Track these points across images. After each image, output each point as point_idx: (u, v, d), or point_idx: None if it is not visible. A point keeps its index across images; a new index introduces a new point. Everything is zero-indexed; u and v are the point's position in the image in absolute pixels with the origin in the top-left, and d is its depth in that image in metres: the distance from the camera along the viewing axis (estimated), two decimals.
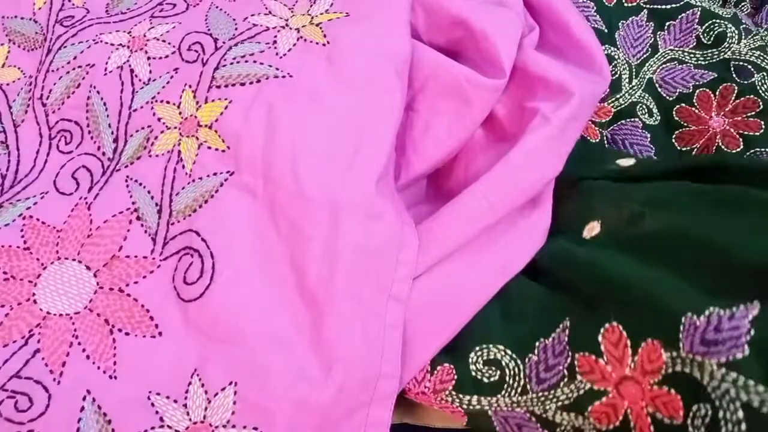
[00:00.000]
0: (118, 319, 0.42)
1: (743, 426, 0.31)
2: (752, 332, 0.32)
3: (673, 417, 0.34)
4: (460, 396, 0.43)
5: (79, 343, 0.41)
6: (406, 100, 0.47)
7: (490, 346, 0.43)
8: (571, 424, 0.39)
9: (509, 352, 0.42)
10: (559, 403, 0.39)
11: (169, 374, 0.41)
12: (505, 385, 0.42)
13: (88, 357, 0.41)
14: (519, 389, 0.41)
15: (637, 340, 0.36)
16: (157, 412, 0.40)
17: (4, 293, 0.42)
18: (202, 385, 0.40)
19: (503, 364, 0.42)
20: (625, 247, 0.42)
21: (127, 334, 0.42)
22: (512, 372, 0.42)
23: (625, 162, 0.52)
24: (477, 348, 0.43)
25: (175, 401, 0.40)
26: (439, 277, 0.45)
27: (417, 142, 0.49)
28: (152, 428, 0.40)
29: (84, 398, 0.40)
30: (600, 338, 0.38)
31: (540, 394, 0.40)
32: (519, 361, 0.42)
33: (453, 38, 0.49)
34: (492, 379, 0.42)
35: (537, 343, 0.42)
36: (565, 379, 0.39)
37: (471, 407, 0.43)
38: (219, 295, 0.41)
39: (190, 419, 0.40)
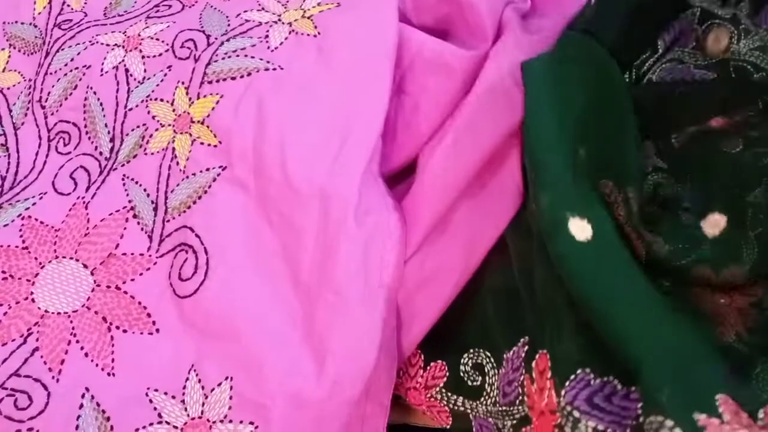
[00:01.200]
0: (116, 317, 0.42)
1: None
2: (640, 419, 0.31)
3: None
4: (449, 395, 0.43)
5: (78, 341, 0.41)
6: (396, 82, 0.47)
7: (480, 350, 0.43)
8: None
9: (492, 360, 0.42)
10: (514, 421, 0.39)
11: (166, 370, 0.41)
12: (484, 393, 0.42)
13: (86, 355, 0.41)
14: (492, 401, 0.41)
15: (555, 375, 0.35)
16: (155, 409, 0.40)
17: (2, 292, 0.42)
18: (199, 381, 0.41)
19: (486, 371, 0.42)
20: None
21: (124, 331, 0.42)
22: (491, 380, 0.42)
23: None
24: (471, 350, 0.43)
25: (173, 397, 0.41)
26: (422, 259, 0.45)
27: (409, 122, 0.48)
28: (150, 424, 0.40)
29: (83, 396, 0.40)
30: (533, 363, 0.38)
31: (502, 408, 0.40)
32: (497, 371, 0.42)
33: (440, 15, 0.50)
34: (474, 384, 0.42)
35: (504, 356, 0.42)
36: (519, 398, 0.39)
37: (456, 408, 0.43)
38: (213, 291, 0.42)
39: (188, 415, 0.40)
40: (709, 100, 0.45)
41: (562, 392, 0.34)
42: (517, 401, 0.39)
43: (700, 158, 0.42)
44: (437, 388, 0.44)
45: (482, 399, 0.42)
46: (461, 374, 0.43)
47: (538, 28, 0.49)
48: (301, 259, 0.42)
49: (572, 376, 0.34)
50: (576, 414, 0.33)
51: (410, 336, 0.44)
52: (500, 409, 0.40)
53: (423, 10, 0.50)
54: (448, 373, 0.44)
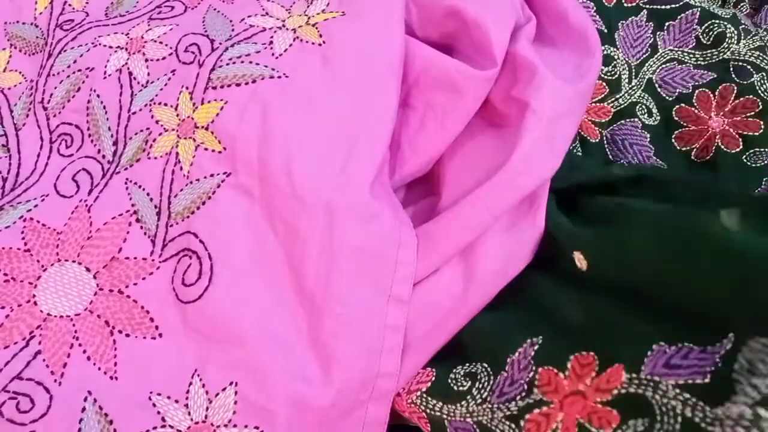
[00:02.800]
0: (119, 321, 0.42)
1: None
2: (719, 365, 0.32)
3: (603, 428, 0.35)
4: (428, 399, 0.43)
5: (80, 345, 0.41)
6: (401, 96, 0.47)
7: (477, 363, 0.43)
8: None
9: (488, 368, 0.42)
10: (507, 413, 0.39)
11: (169, 375, 0.41)
12: (468, 396, 0.42)
13: (88, 358, 0.41)
14: (479, 400, 0.41)
15: (604, 365, 0.37)
16: (158, 413, 0.40)
17: (4, 295, 0.42)
18: (203, 386, 0.41)
19: (478, 377, 0.42)
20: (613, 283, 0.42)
21: (127, 335, 0.42)
22: (482, 384, 0.42)
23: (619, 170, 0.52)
24: (468, 363, 0.44)
25: (176, 401, 0.41)
26: (437, 282, 0.45)
27: (413, 138, 0.49)
28: (154, 428, 0.40)
29: (85, 399, 0.40)
30: (570, 358, 0.38)
31: (495, 404, 0.40)
32: (492, 377, 0.42)
33: (446, 31, 0.49)
34: (460, 389, 0.42)
35: (508, 360, 0.42)
36: (522, 393, 0.39)
37: (433, 413, 0.43)
38: (217, 297, 0.42)
39: (192, 419, 0.40)
40: None
41: (642, 368, 0.35)
42: (518, 397, 0.39)
43: None
44: (418, 393, 0.44)
45: (463, 402, 0.42)
46: (449, 381, 0.43)
47: (559, 64, 0.49)
48: (306, 268, 0.42)
49: (648, 353, 0.35)
50: (656, 378, 0.34)
51: (418, 356, 0.44)
52: (488, 406, 0.40)
53: (429, 24, 0.50)
54: (433, 379, 0.44)
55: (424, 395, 0.43)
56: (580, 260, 0.43)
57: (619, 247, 0.41)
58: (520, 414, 0.39)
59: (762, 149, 0.57)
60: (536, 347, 0.41)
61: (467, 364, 0.43)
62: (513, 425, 0.39)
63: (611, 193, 0.48)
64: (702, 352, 0.34)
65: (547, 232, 0.47)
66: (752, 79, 0.58)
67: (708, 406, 0.32)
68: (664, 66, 0.61)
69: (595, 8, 0.61)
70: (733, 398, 0.31)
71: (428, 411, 0.43)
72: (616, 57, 0.60)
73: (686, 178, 0.49)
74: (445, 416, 0.42)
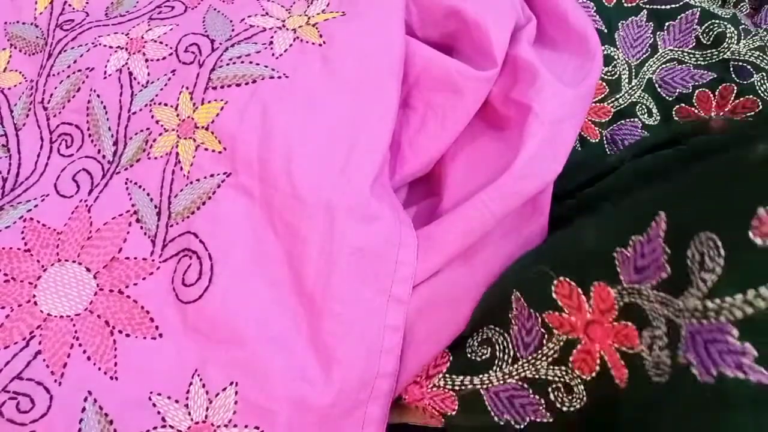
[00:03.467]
0: (119, 321, 0.42)
1: (664, 340, 0.33)
2: (668, 251, 0.33)
3: (632, 346, 0.36)
4: (453, 377, 0.43)
5: (80, 345, 0.41)
6: (402, 97, 0.47)
7: (484, 328, 0.44)
8: (561, 380, 0.40)
9: (498, 329, 0.43)
10: (549, 359, 0.40)
11: (169, 375, 0.41)
12: (497, 360, 0.42)
13: (89, 358, 0.41)
14: (509, 359, 0.42)
15: (586, 287, 0.38)
16: (158, 413, 0.40)
17: (4, 295, 0.42)
18: (203, 386, 0.41)
19: (493, 340, 0.43)
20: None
21: (127, 335, 0.42)
22: (501, 346, 0.42)
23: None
24: (476, 332, 0.44)
25: (177, 401, 0.41)
26: (439, 283, 0.45)
27: (413, 139, 0.49)
28: (154, 428, 0.40)
29: (85, 399, 0.40)
30: (554, 295, 0.39)
31: (529, 357, 0.41)
32: (506, 335, 0.42)
33: (447, 31, 0.49)
34: (484, 357, 0.43)
35: (510, 316, 0.42)
36: (545, 337, 0.40)
37: (463, 388, 0.43)
38: (218, 297, 0.42)
39: (192, 419, 0.40)
40: None
41: (621, 278, 0.36)
42: (544, 340, 0.40)
43: None
44: (440, 376, 0.44)
45: (494, 368, 0.42)
46: (468, 354, 0.44)
47: (560, 66, 0.49)
48: (306, 268, 0.42)
49: (615, 262, 0.37)
50: (636, 286, 0.36)
51: (418, 357, 0.44)
52: (524, 361, 0.41)
53: (429, 24, 0.50)
54: (451, 359, 0.44)
55: (447, 375, 0.44)
56: None
57: None
58: (563, 356, 0.39)
59: None
60: (522, 299, 0.41)
61: (475, 334, 0.44)
62: (563, 367, 0.40)
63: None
64: (649, 242, 0.35)
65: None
66: (752, 79, 0.58)
67: (674, 297, 0.33)
68: (664, 66, 0.61)
69: (595, 8, 0.61)
70: (690, 290, 0.31)
71: (456, 388, 0.43)
72: (616, 57, 0.60)
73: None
74: (479, 386, 0.43)
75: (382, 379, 0.43)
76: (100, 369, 0.41)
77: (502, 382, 0.42)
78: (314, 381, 0.41)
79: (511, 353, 0.42)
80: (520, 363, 0.41)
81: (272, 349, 0.41)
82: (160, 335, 0.42)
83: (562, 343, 0.40)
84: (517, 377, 0.41)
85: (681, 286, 0.32)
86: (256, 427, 0.40)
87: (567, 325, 0.39)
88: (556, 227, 0.47)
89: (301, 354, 0.41)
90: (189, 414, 0.40)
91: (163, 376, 0.41)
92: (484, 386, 0.43)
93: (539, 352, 0.40)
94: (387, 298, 0.43)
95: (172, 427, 0.40)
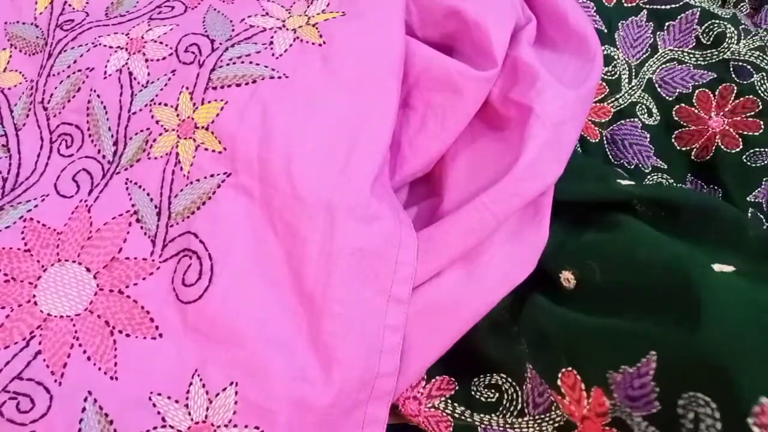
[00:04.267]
0: (119, 321, 0.42)
1: None
2: (657, 390, 0.34)
3: None
4: (455, 405, 0.44)
5: (80, 345, 0.41)
6: (402, 97, 0.47)
7: (494, 374, 0.44)
8: None
9: (509, 379, 0.43)
10: (556, 424, 0.41)
11: (169, 375, 0.41)
12: (501, 408, 0.43)
13: (89, 358, 0.41)
14: (516, 412, 0.42)
15: (588, 386, 0.38)
16: (158, 413, 0.40)
17: (4, 295, 0.42)
18: (203, 386, 0.41)
19: (503, 389, 0.43)
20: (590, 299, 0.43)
21: (127, 335, 0.42)
22: (510, 396, 0.43)
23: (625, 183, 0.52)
24: (483, 375, 0.44)
25: (177, 401, 0.41)
26: (440, 285, 0.45)
27: (413, 139, 0.49)
28: (154, 428, 0.40)
29: (85, 399, 0.40)
30: (559, 381, 0.40)
31: (537, 416, 0.41)
32: (517, 387, 0.43)
33: (447, 32, 0.49)
34: (489, 400, 0.43)
35: (525, 375, 0.43)
36: (554, 405, 0.41)
37: (462, 419, 0.43)
38: (218, 297, 0.42)
39: (192, 419, 0.40)
40: None
41: (614, 395, 0.37)
42: (553, 407, 0.41)
43: None
44: (441, 399, 0.44)
45: (498, 413, 0.43)
46: (473, 392, 0.44)
47: (560, 67, 0.49)
48: (306, 268, 0.42)
49: (610, 382, 0.37)
50: (627, 410, 0.36)
51: (418, 358, 0.44)
52: (530, 418, 0.42)
53: (429, 24, 0.50)
54: (457, 388, 0.45)
55: (449, 401, 0.44)
56: (567, 279, 0.44)
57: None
58: (567, 427, 0.40)
59: (762, 149, 0.57)
60: (535, 367, 0.42)
61: (485, 376, 0.44)
62: None
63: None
64: (639, 377, 0.35)
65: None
66: (752, 79, 0.58)
67: None
68: (664, 66, 0.61)
69: (595, 8, 0.61)
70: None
71: (455, 416, 0.44)
72: (616, 57, 0.60)
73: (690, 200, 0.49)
74: (478, 423, 0.43)
75: (382, 379, 0.43)
76: (100, 369, 0.41)
77: (502, 428, 0.42)
78: (314, 381, 0.41)
79: (519, 407, 0.42)
80: (525, 419, 0.42)
81: (272, 349, 0.41)
82: (160, 335, 0.42)
83: (566, 418, 0.40)
84: (518, 430, 0.42)
85: (670, 427, 0.33)
86: (256, 427, 0.40)
87: (566, 409, 0.40)
88: (556, 230, 0.47)
89: (301, 354, 0.41)
90: (189, 414, 0.40)
91: (163, 376, 0.41)
92: (483, 425, 0.43)
93: (547, 415, 0.41)
94: (387, 298, 0.43)
95: (172, 427, 0.40)
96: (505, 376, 0.44)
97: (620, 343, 0.37)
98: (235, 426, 0.40)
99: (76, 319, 0.42)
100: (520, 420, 0.42)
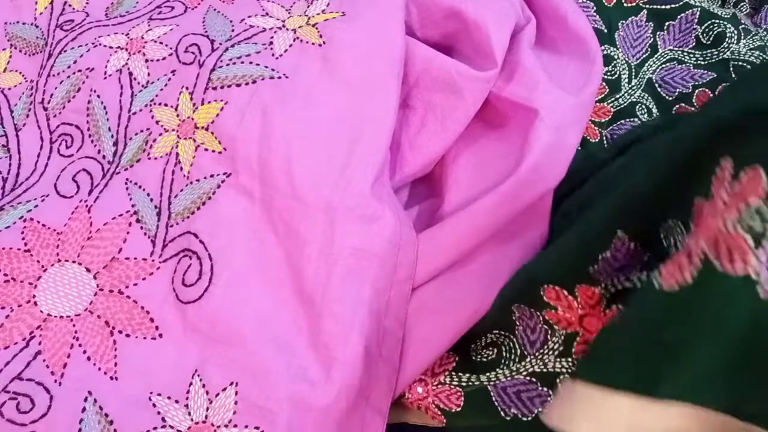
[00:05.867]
0: (119, 321, 0.42)
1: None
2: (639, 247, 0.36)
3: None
4: (460, 374, 0.44)
5: (80, 345, 0.41)
6: (402, 97, 0.47)
7: (488, 333, 0.44)
8: (568, 370, 0.41)
9: (503, 332, 0.44)
10: (555, 353, 0.41)
11: (169, 375, 0.41)
12: (503, 360, 0.43)
13: (89, 358, 0.41)
14: (516, 358, 0.43)
15: (571, 290, 0.39)
16: (158, 413, 0.40)
17: (4, 295, 0.42)
18: (203, 386, 0.41)
19: (499, 343, 0.44)
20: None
21: (127, 335, 0.42)
22: (508, 346, 0.43)
23: None
24: (477, 340, 0.44)
25: (177, 401, 0.41)
26: (440, 286, 0.45)
27: (413, 139, 0.49)
28: (154, 428, 0.40)
29: (85, 399, 0.40)
30: (545, 298, 0.40)
31: (536, 353, 0.42)
32: (510, 336, 0.43)
33: (447, 32, 0.50)
34: (490, 358, 0.44)
35: (513, 318, 0.43)
36: (549, 332, 0.41)
37: (470, 385, 0.44)
38: (218, 297, 0.42)
39: (192, 419, 0.40)
40: None
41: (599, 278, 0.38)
42: (548, 335, 0.41)
43: None
44: (446, 373, 0.44)
45: (501, 366, 0.43)
46: (473, 357, 0.44)
47: (560, 69, 0.49)
48: (306, 268, 0.42)
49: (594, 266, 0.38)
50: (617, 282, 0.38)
51: (418, 358, 0.45)
52: (532, 357, 0.42)
53: (429, 25, 0.50)
54: (457, 359, 0.45)
55: (453, 373, 0.44)
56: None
57: None
58: (567, 348, 0.41)
59: None
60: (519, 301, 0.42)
61: (480, 339, 0.44)
62: (569, 359, 0.41)
63: None
64: (618, 251, 0.37)
65: None
66: None
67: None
68: (664, 66, 0.61)
69: (595, 8, 0.61)
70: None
71: (463, 385, 0.44)
72: (616, 57, 0.60)
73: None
74: (486, 382, 0.43)
75: (381, 378, 0.43)
76: (100, 369, 0.41)
77: (509, 378, 0.42)
78: (315, 381, 0.41)
79: (518, 352, 0.42)
80: (527, 360, 0.42)
81: (272, 350, 0.41)
82: (160, 335, 0.42)
83: (563, 337, 0.40)
84: (525, 373, 0.42)
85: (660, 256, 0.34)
86: (256, 427, 0.40)
87: (564, 321, 0.40)
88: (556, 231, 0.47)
89: (301, 354, 0.41)
90: (189, 414, 0.40)
91: (163, 377, 0.41)
92: (491, 383, 0.43)
93: (545, 347, 0.41)
94: (387, 298, 0.43)
95: (172, 427, 0.40)
96: (497, 331, 0.44)
97: (591, 237, 0.38)
98: (235, 426, 0.40)
99: (76, 320, 0.42)
100: (523, 363, 0.42)
